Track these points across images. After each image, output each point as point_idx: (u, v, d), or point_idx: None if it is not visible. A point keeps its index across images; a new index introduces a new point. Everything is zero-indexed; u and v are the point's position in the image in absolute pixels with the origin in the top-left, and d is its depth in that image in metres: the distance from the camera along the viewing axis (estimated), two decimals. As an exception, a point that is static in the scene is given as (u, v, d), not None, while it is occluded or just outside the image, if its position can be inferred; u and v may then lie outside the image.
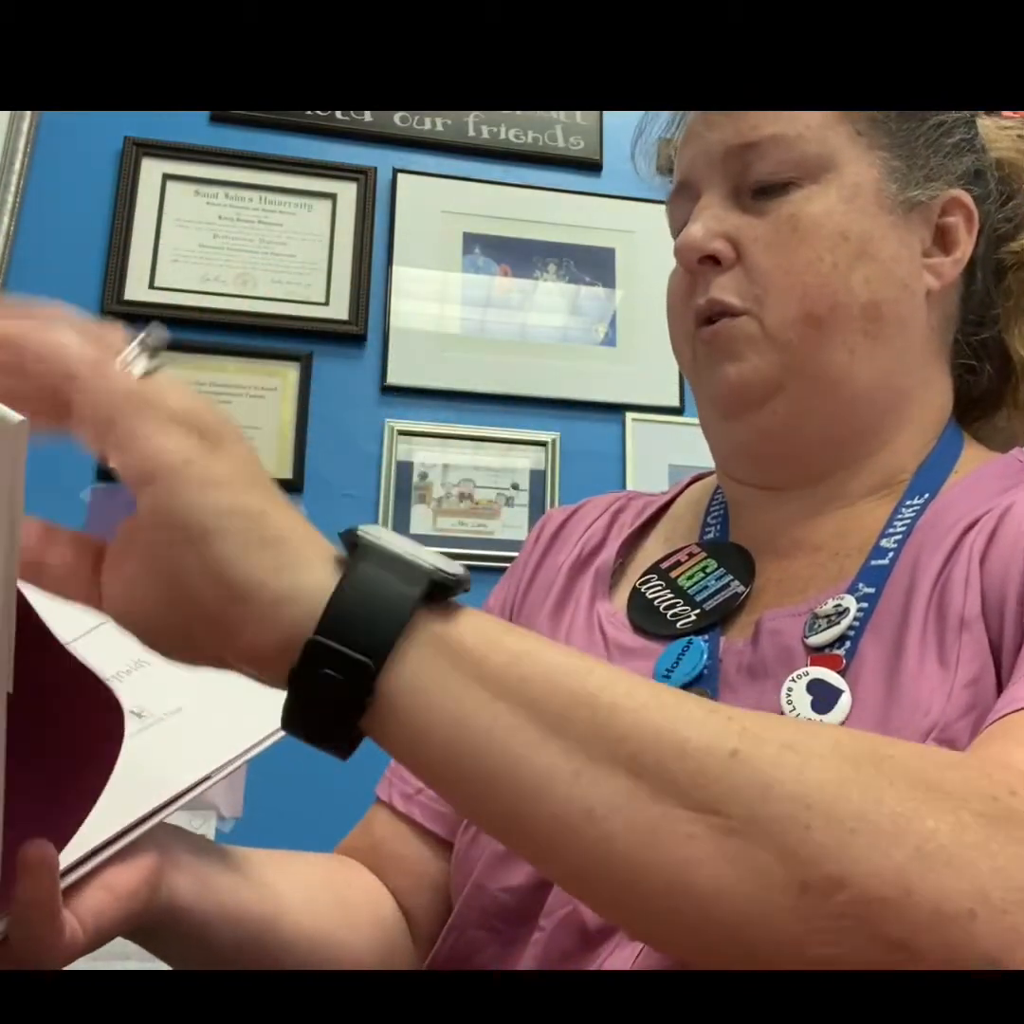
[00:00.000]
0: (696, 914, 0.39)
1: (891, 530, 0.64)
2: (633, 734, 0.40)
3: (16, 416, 0.36)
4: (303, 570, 0.40)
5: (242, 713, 0.55)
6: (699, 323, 0.67)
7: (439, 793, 0.46)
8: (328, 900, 0.67)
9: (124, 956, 1.62)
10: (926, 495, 0.65)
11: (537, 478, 1.80)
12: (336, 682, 0.39)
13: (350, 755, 0.42)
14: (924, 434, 0.68)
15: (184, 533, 0.39)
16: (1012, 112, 0.72)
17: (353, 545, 0.42)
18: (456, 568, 0.42)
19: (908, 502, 0.65)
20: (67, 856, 0.47)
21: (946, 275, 0.68)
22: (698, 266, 0.66)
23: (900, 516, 0.64)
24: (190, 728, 0.57)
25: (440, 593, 0.41)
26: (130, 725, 0.50)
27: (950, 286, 0.68)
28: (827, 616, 0.60)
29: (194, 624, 0.41)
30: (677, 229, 0.71)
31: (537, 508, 1.78)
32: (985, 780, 0.42)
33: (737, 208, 0.67)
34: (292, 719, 0.42)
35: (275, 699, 0.42)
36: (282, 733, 0.44)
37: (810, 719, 0.54)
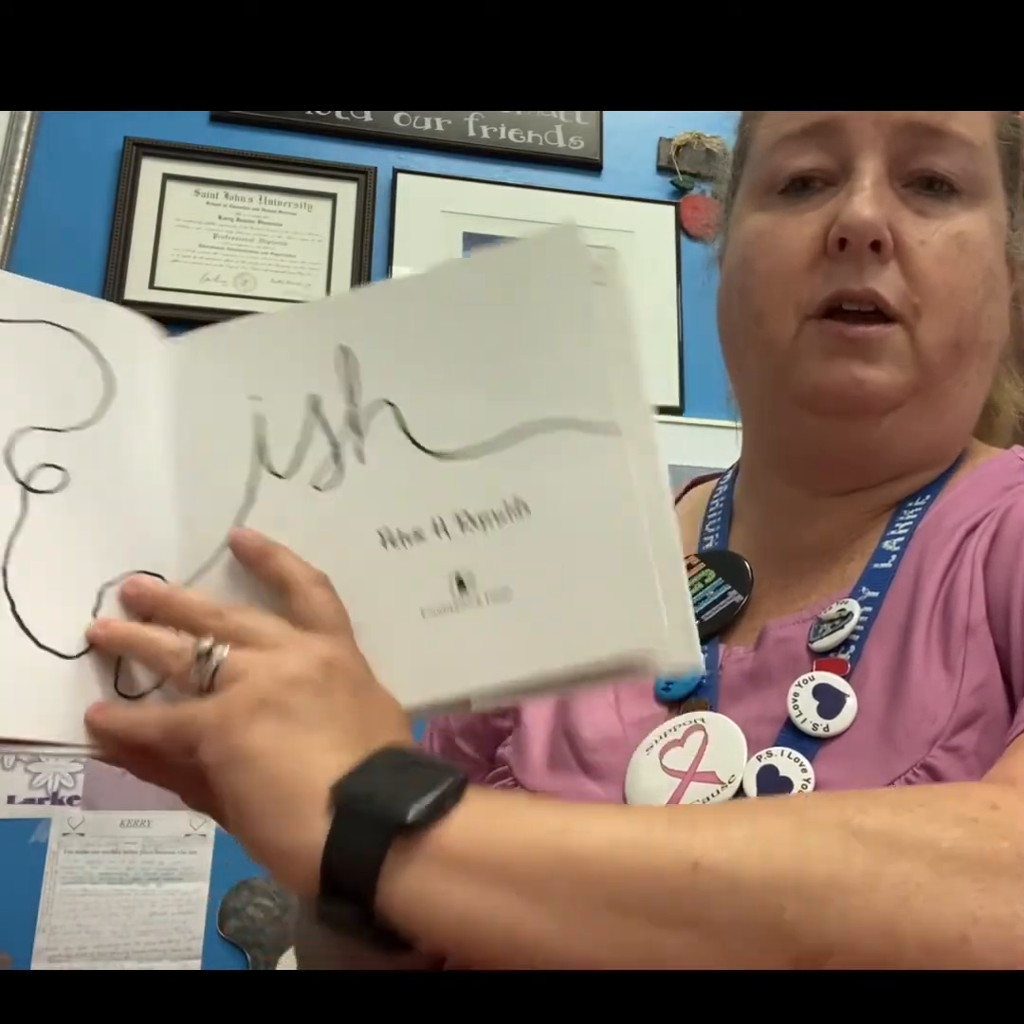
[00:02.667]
0: None
1: (893, 532, 0.63)
2: (608, 878, 0.42)
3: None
4: (301, 829, 0.46)
5: (572, 623, 0.50)
6: (827, 309, 0.62)
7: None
8: None
9: (124, 956, 1.62)
10: (927, 497, 0.65)
11: (537, 478, 1.80)
12: (345, 918, 0.45)
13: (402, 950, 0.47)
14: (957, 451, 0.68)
15: (223, 796, 0.48)
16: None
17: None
18: (435, 789, 0.46)
19: (910, 504, 0.65)
20: None
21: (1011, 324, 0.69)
22: (864, 249, 0.61)
23: (902, 518, 0.64)
24: (506, 623, 0.51)
25: (415, 825, 0.45)
26: (446, 594, 0.52)
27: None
28: (831, 621, 0.60)
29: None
30: (794, 172, 0.64)
31: (537, 508, 1.78)
32: (962, 803, 0.42)
33: (892, 190, 0.62)
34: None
35: (619, 615, 0.49)
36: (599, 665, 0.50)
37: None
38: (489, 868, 0.44)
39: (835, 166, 0.63)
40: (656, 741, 0.61)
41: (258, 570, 0.55)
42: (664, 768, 0.59)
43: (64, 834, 1.47)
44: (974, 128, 0.63)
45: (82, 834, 1.47)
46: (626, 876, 0.42)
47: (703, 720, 0.60)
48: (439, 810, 0.45)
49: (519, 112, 1.98)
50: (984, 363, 0.66)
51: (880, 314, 0.61)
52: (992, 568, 0.57)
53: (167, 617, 0.53)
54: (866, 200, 0.60)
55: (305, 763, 0.47)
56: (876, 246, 0.61)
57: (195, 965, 1.45)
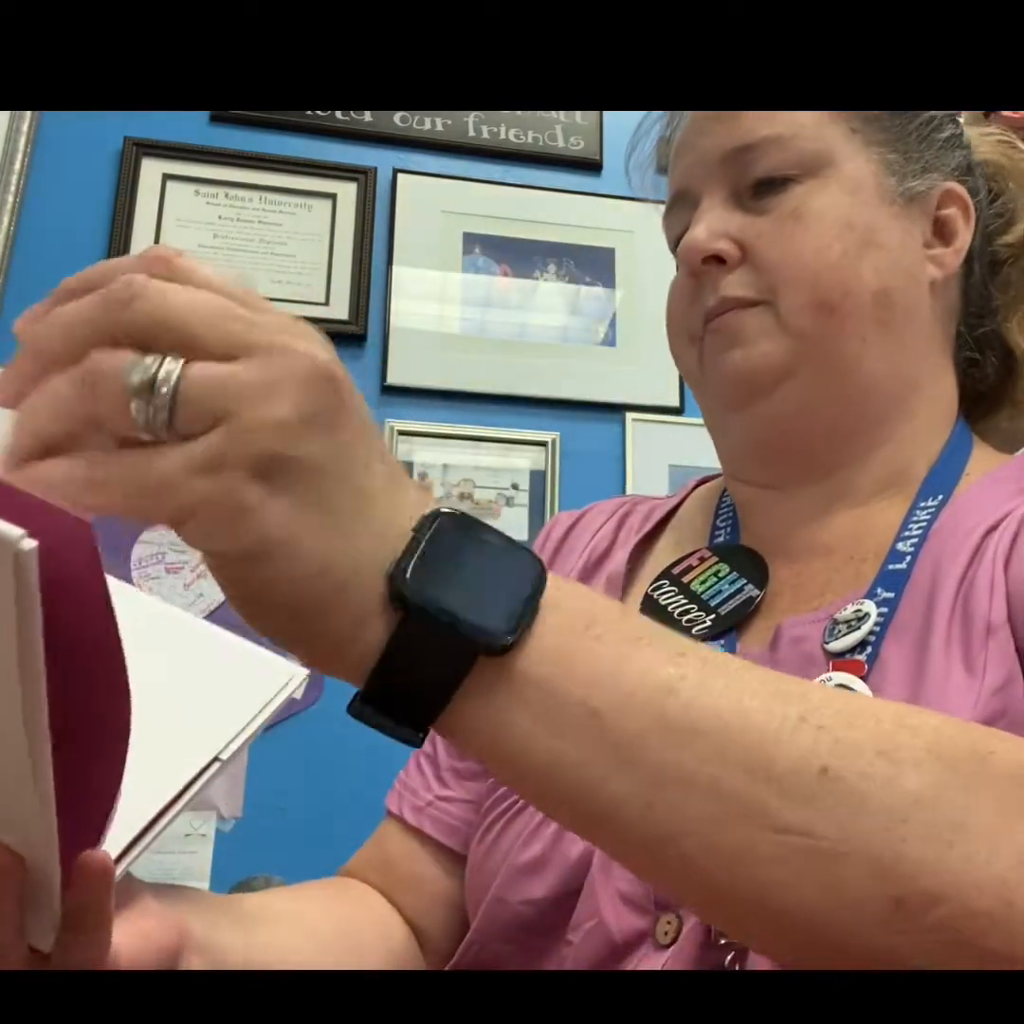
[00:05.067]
0: (788, 929, 0.39)
1: (906, 533, 0.63)
2: (714, 757, 0.38)
3: (20, 539, 0.30)
4: (355, 626, 0.38)
5: (230, 682, 0.52)
6: (707, 322, 0.67)
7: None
8: (339, 946, 0.65)
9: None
10: (940, 497, 0.64)
11: (537, 478, 1.80)
12: (387, 724, 0.39)
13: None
14: (932, 430, 0.68)
15: (264, 608, 0.38)
16: (1010, 112, 0.73)
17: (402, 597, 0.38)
18: (523, 591, 0.38)
19: (922, 504, 0.65)
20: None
21: (948, 265, 0.68)
22: (703, 267, 0.66)
23: (915, 519, 0.64)
24: (170, 706, 0.50)
25: (499, 646, 0.38)
26: None
27: (951, 277, 0.69)
28: (847, 621, 0.60)
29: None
30: (675, 240, 0.71)
31: (537, 508, 1.78)
32: None
33: (738, 209, 0.67)
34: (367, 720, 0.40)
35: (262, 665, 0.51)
36: (285, 696, 0.50)
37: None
38: (567, 714, 0.38)
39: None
40: None
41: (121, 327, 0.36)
42: None
43: (64, 834, 1.47)
44: (782, 122, 0.66)
45: (82, 834, 1.48)
46: (738, 762, 0.38)
47: None
48: (530, 617, 0.38)
49: (519, 112, 1.98)
50: (884, 312, 0.65)
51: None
52: (1014, 568, 0.57)
53: (51, 348, 0.35)
54: (697, 228, 0.66)
55: (347, 542, 0.37)
56: (721, 261, 0.66)
57: (195, 965, 1.45)
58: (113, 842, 0.45)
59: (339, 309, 1.81)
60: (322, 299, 1.82)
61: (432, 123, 1.95)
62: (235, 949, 0.57)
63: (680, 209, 0.71)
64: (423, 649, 0.37)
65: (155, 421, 0.34)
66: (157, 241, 1.78)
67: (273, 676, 0.52)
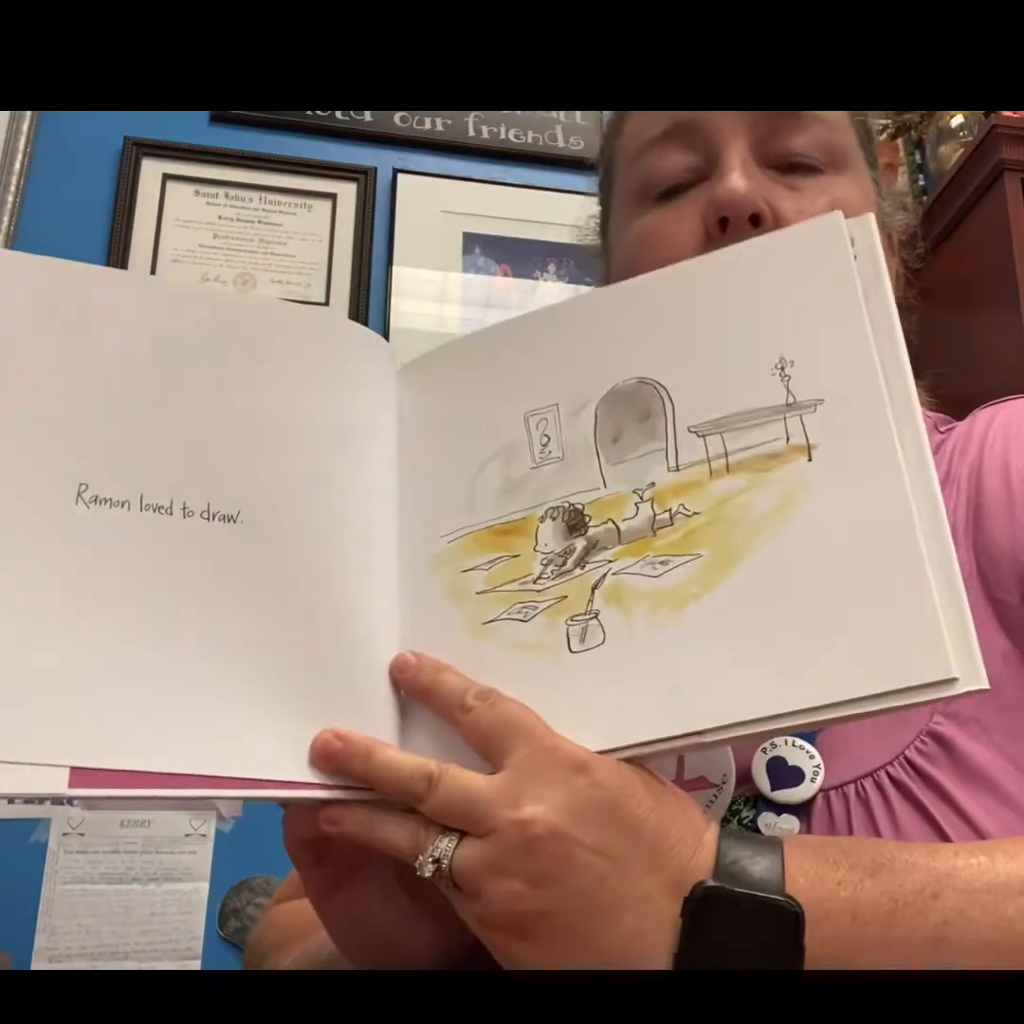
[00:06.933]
0: None
1: None
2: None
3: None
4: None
5: (829, 650, 0.43)
6: None
7: None
8: None
9: (124, 956, 1.61)
10: None
11: (537, 478, 1.80)
12: None
13: None
14: None
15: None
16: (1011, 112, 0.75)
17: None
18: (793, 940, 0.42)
19: None
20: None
21: None
22: (739, 223, 0.62)
23: None
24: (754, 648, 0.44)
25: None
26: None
27: None
28: None
29: None
30: (655, 174, 0.66)
31: (537, 508, 1.78)
32: None
33: (764, 174, 0.64)
34: None
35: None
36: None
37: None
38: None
39: (701, 162, 0.65)
40: None
41: (423, 702, 0.50)
42: None
43: (64, 834, 1.47)
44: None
45: (82, 834, 1.48)
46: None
47: None
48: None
49: (519, 112, 1.98)
50: None
51: None
52: (986, 521, 0.58)
53: (369, 780, 0.47)
54: (738, 176, 0.62)
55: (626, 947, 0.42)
56: (755, 220, 0.61)
57: (195, 965, 1.45)
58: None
59: (339, 309, 1.81)
60: (322, 299, 1.81)
61: (432, 123, 1.95)
62: None
63: (680, 141, 0.65)
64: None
65: (438, 876, 0.45)
66: (157, 241, 1.78)
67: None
